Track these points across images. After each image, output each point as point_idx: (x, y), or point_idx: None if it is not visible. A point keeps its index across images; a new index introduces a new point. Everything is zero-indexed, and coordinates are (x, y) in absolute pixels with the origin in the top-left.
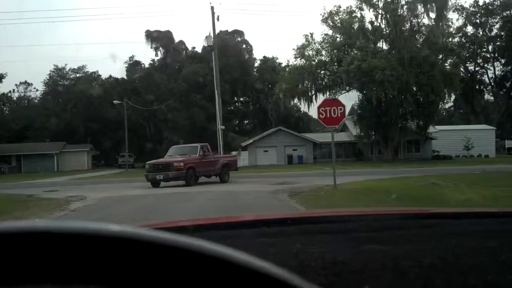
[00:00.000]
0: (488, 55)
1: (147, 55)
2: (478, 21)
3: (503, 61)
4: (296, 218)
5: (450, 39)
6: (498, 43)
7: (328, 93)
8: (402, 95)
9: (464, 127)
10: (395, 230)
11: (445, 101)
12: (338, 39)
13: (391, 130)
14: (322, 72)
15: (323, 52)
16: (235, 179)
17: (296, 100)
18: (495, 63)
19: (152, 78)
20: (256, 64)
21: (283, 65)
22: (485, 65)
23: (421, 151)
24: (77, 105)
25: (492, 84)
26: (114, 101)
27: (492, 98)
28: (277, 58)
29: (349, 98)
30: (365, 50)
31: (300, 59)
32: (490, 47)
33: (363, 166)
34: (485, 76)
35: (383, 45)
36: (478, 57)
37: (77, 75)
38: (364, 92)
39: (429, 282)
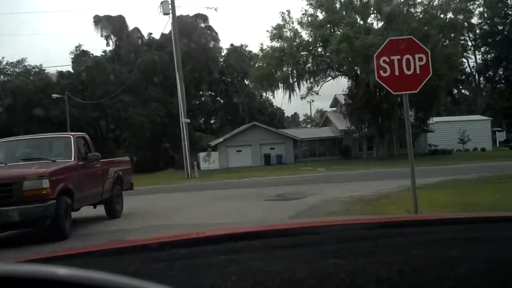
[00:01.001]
0: (470, 43)
1: (100, 45)
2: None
3: (483, 49)
4: (262, 232)
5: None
6: (478, 31)
7: (312, 79)
8: None
9: (458, 118)
10: (359, 241)
11: (449, 87)
12: (320, 16)
13: (388, 121)
14: (305, 54)
15: (304, 33)
16: (204, 190)
17: (273, 90)
18: (476, 52)
19: (101, 68)
20: (223, 53)
21: (255, 51)
22: (465, 53)
23: (416, 145)
24: (14, 103)
25: (474, 73)
26: (53, 95)
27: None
28: (247, 46)
29: (337, 87)
30: (356, 26)
31: (277, 41)
32: (471, 35)
33: (366, 165)
34: (466, 65)
35: (374, 22)
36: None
37: (16, 69)
38: (355, 77)
39: None
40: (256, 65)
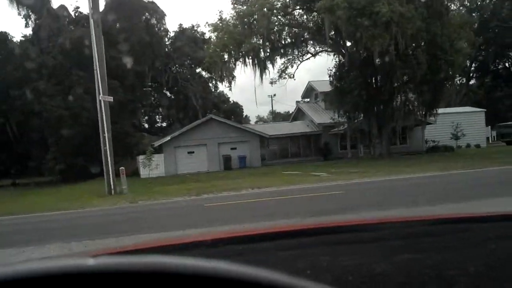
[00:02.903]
0: None
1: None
2: None
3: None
4: (321, 228)
5: None
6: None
7: (290, 54)
8: (411, 51)
9: (449, 110)
10: (426, 237)
11: (463, 65)
12: None
13: (390, 109)
14: (281, 19)
15: None
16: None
17: (231, 74)
18: None
19: (9, 52)
20: (170, 35)
21: (213, 21)
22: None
23: (409, 141)
24: None
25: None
26: None
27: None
28: (199, 26)
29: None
30: None
31: (242, 5)
32: None
33: (392, 166)
34: None
35: None
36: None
37: None
38: (351, 47)
39: None
40: (214, 37)
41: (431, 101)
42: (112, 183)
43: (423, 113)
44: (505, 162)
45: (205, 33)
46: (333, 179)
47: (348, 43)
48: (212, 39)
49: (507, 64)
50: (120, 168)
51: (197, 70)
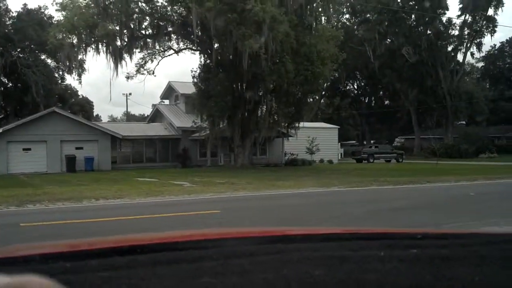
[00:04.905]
0: None
1: None
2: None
3: None
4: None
5: None
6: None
7: (151, 47)
8: (278, 59)
9: (306, 125)
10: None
11: (331, 73)
12: None
13: (255, 117)
14: (143, 4)
15: None
16: None
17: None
18: None
19: None
20: (12, 15)
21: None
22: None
23: (268, 153)
24: None
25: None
26: None
27: None
28: (47, 8)
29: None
30: None
31: None
32: None
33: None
34: None
35: None
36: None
37: None
38: (219, 47)
39: None
40: (61, 17)
41: (295, 113)
42: None
43: (287, 124)
44: (378, 181)
45: (53, 17)
46: (200, 191)
47: (216, 45)
48: (59, 19)
49: (355, 85)
50: None
51: (42, 57)
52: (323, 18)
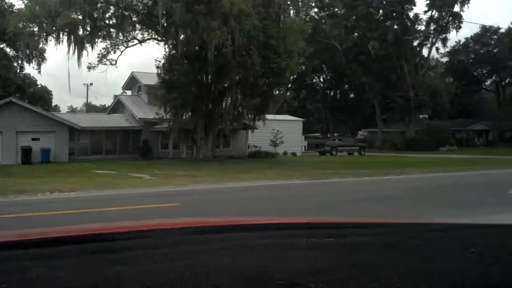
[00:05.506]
0: None
1: None
2: None
3: None
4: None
5: None
6: None
7: (114, 37)
8: (245, 51)
9: (270, 117)
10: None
11: (297, 66)
12: None
13: (219, 109)
14: None
15: None
16: None
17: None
18: None
19: None
20: None
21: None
22: None
23: (232, 145)
24: None
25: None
26: None
27: None
28: None
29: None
30: None
31: None
32: None
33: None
34: None
35: None
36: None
37: None
38: (185, 38)
39: None
40: (23, 5)
41: (261, 105)
42: None
43: (252, 117)
44: (340, 174)
45: (14, 5)
46: (160, 183)
47: (182, 36)
48: (20, 9)
49: (321, 79)
50: None
51: (1, 46)
52: (291, 11)
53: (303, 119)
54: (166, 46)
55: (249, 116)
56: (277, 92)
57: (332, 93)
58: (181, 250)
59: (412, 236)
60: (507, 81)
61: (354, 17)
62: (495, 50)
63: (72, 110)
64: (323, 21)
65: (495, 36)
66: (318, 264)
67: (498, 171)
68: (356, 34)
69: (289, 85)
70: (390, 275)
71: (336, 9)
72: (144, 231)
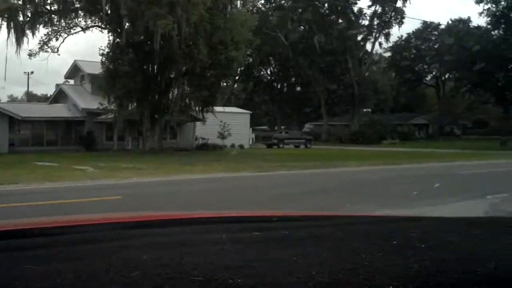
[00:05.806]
0: None
1: None
2: None
3: None
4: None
5: None
6: None
7: (56, 24)
8: (192, 41)
9: (218, 109)
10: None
11: (244, 58)
12: None
13: (166, 100)
14: None
15: None
16: None
17: None
18: None
19: None
20: None
21: None
22: None
23: (179, 137)
24: None
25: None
26: None
27: None
28: None
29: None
30: None
31: None
32: None
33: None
34: None
35: None
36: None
37: None
38: (130, 26)
39: None
40: None
41: (208, 97)
42: None
43: (200, 109)
44: (286, 166)
45: None
46: (103, 176)
47: (127, 24)
48: None
49: (268, 71)
50: None
51: None
52: (238, 2)
53: (251, 112)
54: (110, 34)
55: (197, 108)
56: (225, 84)
57: (279, 86)
58: (103, 247)
59: (338, 228)
60: (446, 76)
61: (300, 10)
62: (436, 46)
63: (12, 99)
64: (270, 13)
65: (436, 32)
66: (239, 259)
67: (436, 164)
68: (302, 27)
69: (237, 77)
70: (309, 268)
71: (283, 1)
72: (66, 226)
